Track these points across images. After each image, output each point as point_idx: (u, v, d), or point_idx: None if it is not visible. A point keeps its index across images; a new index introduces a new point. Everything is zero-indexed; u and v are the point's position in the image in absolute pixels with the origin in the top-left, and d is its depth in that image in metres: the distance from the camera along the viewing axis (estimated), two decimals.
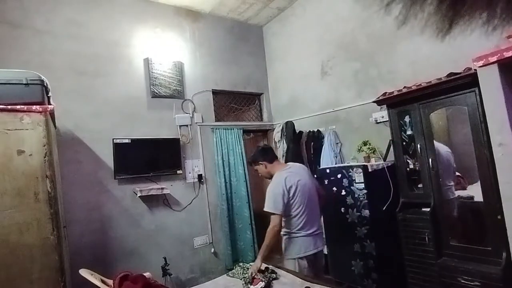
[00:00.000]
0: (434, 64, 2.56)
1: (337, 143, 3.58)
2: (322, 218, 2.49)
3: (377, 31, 3.10)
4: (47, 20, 3.07)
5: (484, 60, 1.90)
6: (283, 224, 2.21)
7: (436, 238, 2.33)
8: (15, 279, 1.74)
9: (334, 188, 2.95)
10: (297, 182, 2.21)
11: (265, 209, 2.18)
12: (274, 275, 2.02)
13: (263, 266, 2.11)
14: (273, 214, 2.13)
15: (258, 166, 2.38)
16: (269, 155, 2.40)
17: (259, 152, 2.42)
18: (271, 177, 2.34)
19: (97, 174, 3.18)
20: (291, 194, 2.18)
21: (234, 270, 2.24)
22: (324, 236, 2.56)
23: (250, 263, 2.27)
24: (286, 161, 3.75)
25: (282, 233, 2.25)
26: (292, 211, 2.20)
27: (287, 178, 2.22)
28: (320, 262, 2.35)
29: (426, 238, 2.36)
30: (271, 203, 2.15)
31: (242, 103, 4.59)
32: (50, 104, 2.03)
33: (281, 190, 2.16)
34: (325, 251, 3.24)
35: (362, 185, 2.70)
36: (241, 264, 2.32)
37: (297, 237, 2.21)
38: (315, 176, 3.41)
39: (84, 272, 1.80)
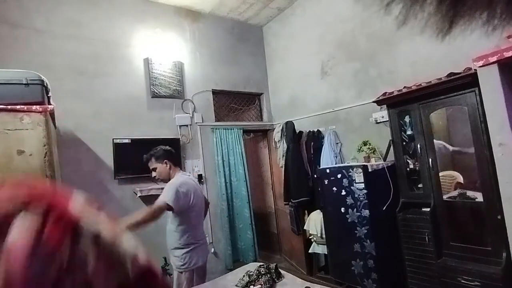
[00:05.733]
0: (434, 64, 2.55)
1: (337, 143, 3.58)
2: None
3: (377, 31, 3.10)
4: (47, 20, 3.07)
5: (484, 60, 1.90)
6: (185, 235, 2.21)
7: (436, 238, 2.33)
8: None
9: (334, 188, 2.95)
10: (194, 192, 2.24)
11: (163, 199, 2.07)
12: (282, 278, 2.02)
13: (272, 265, 2.10)
14: (167, 205, 2.05)
15: (160, 165, 2.27)
16: (175, 157, 2.39)
17: (167, 151, 2.32)
18: (168, 179, 2.27)
19: (97, 174, 3.18)
20: (191, 199, 2.20)
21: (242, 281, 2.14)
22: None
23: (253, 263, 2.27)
24: (286, 161, 3.76)
25: (181, 244, 2.22)
26: (191, 219, 2.22)
27: (190, 183, 2.26)
28: (205, 273, 2.36)
29: (426, 238, 2.35)
30: (170, 195, 2.08)
31: (242, 103, 4.59)
32: (50, 104, 2.03)
33: (184, 190, 2.15)
34: (325, 251, 3.25)
35: (362, 185, 2.69)
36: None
37: (197, 247, 2.24)
38: (315, 176, 3.42)
39: None
